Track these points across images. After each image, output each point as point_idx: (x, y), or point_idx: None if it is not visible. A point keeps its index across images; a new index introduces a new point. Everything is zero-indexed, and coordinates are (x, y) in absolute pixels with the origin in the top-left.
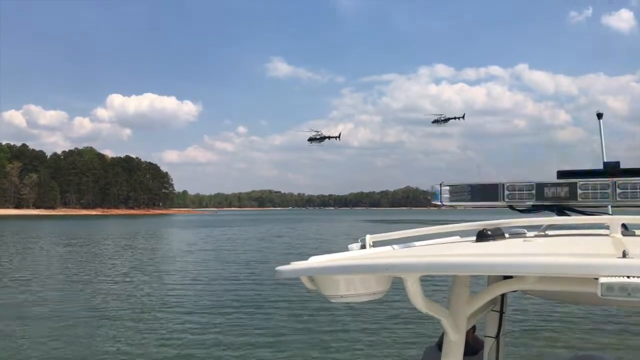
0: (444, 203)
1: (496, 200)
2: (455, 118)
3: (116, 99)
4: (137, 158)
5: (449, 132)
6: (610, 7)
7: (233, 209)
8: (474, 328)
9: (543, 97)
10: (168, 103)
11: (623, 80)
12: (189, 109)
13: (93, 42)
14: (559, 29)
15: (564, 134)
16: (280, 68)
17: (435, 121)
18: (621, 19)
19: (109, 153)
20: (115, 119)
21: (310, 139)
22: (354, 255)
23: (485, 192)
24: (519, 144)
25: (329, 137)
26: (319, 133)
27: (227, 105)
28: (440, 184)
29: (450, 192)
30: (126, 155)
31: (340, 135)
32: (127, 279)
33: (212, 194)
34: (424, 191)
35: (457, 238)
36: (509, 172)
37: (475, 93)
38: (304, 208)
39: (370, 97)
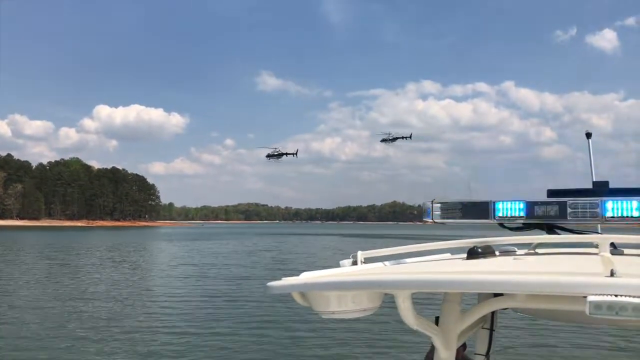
0: (435, 220)
1: (487, 217)
2: (403, 138)
3: (103, 110)
4: (123, 169)
5: (435, 148)
6: (594, 27)
7: (219, 221)
8: (464, 346)
9: (529, 114)
10: (155, 115)
11: (607, 99)
12: (176, 120)
13: (80, 52)
14: (545, 48)
15: (549, 151)
16: (269, 82)
17: (384, 140)
18: (605, 39)
19: (95, 164)
20: (101, 130)
21: (268, 155)
22: (345, 271)
23: (476, 210)
24: (505, 160)
25: (286, 154)
26: (277, 150)
27: (215, 117)
28: (432, 201)
29: (442, 209)
30: (112, 167)
31: (297, 152)
32: (108, 294)
33: (199, 206)
34: (410, 206)
35: (447, 255)
36: (495, 188)
37: (461, 109)
38: (291, 222)
39: (358, 112)
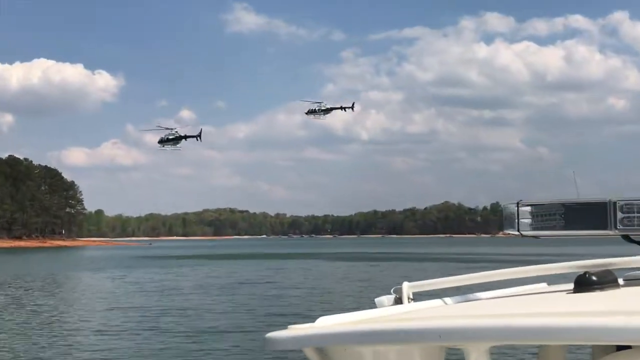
0: (524, 232)
1: (605, 227)
2: (341, 108)
3: None
4: (25, 160)
5: (507, 118)
6: None
7: (175, 238)
8: None
9: None
10: (71, 74)
11: None
12: (104, 82)
13: None
14: None
15: None
16: (246, 20)
17: (311, 111)
18: None
19: None
20: None
21: (162, 141)
22: (386, 314)
23: (588, 216)
24: (618, 134)
25: (185, 137)
26: (173, 132)
27: (163, 77)
28: (518, 203)
29: (534, 215)
30: (9, 156)
31: (201, 134)
32: None
33: (143, 215)
34: (470, 210)
35: (543, 286)
36: (604, 181)
37: (547, 57)
38: (285, 236)
39: (386, 64)
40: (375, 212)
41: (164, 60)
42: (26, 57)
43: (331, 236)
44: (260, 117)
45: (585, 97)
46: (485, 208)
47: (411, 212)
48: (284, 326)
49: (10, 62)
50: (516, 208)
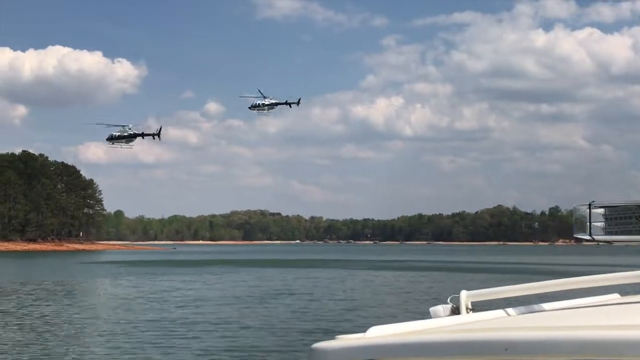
0: (596, 236)
1: None
2: (287, 103)
3: (2, 56)
4: (40, 155)
5: (568, 113)
6: None
7: (201, 242)
8: None
9: None
10: (89, 62)
11: None
12: (124, 72)
13: None
14: None
15: None
16: (279, 4)
17: (255, 106)
18: None
19: None
20: (2, 89)
21: (111, 138)
22: (443, 325)
23: None
24: None
25: (142, 135)
26: (126, 129)
27: (189, 66)
28: (590, 205)
29: (608, 217)
30: (22, 151)
31: (161, 132)
32: None
33: (166, 217)
34: (526, 214)
35: (616, 297)
36: None
37: (612, 45)
38: (321, 242)
39: (433, 53)
40: (420, 216)
41: (189, 47)
42: (40, 44)
43: (371, 242)
44: (293, 111)
45: None
46: (543, 213)
47: (460, 217)
48: (331, 336)
49: (23, 50)
50: (588, 210)
